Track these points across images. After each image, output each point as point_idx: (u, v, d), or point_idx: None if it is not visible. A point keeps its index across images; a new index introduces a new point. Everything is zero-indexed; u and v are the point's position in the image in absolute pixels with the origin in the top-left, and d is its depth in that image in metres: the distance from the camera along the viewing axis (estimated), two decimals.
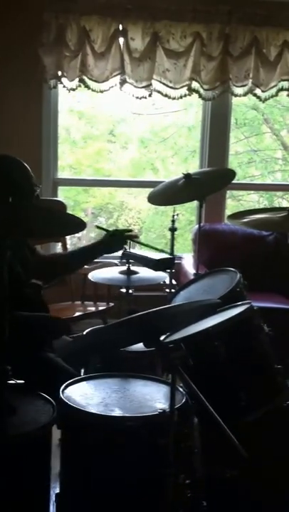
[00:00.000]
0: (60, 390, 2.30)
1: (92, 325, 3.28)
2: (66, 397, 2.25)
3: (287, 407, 2.48)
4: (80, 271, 4.79)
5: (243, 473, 2.35)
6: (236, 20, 4.89)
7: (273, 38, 4.97)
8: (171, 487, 2.00)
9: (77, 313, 4.48)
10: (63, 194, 6.02)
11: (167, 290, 3.86)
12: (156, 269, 3.34)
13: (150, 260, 3.31)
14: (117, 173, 7.45)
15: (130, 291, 3.43)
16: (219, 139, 5.37)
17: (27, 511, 2.18)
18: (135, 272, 3.36)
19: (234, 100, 5.44)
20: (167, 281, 3.75)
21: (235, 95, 5.12)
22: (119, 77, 4.88)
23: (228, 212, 5.55)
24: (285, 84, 5.09)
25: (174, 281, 3.88)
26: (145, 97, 4.97)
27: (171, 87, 4.94)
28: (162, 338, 2.40)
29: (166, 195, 3.71)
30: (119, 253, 3.39)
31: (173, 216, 3.82)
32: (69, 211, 5.57)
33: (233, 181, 3.82)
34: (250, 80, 5.01)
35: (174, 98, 5.02)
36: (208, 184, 3.68)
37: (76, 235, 6.90)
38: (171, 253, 3.69)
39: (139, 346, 2.28)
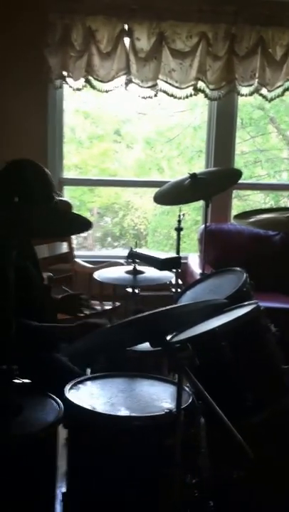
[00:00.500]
0: (67, 389, 2.30)
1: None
2: (72, 396, 2.25)
3: None
4: (85, 270, 4.84)
5: (249, 473, 2.34)
6: (242, 20, 4.89)
7: (279, 38, 4.97)
8: (178, 487, 2.00)
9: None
10: (69, 194, 6.02)
11: (173, 290, 3.86)
12: (162, 269, 3.35)
13: (156, 260, 3.32)
14: (122, 173, 7.45)
15: (136, 290, 3.43)
16: (225, 138, 5.36)
17: (33, 510, 2.18)
18: (141, 272, 3.36)
19: (240, 100, 5.43)
20: (173, 281, 3.75)
21: (241, 95, 5.12)
22: (124, 77, 4.88)
23: (234, 212, 5.55)
24: None
25: (180, 281, 3.88)
26: (151, 97, 4.97)
27: (176, 87, 4.94)
28: (168, 338, 2.40)
29: (172, 195, 3.71)
30: (126, 253, 3.40)
31: (179, 216, 3.82)
32: (75, 211, 5.57)
33: (239, 181, 3.82)
34: (256, 80, 5.01)
35: (179, 98, 5.01)
36: (214, 184, 3.68)
37: (82, 234, 6.92)
38: (178, 253, 3.69)
39: (146, 346, 2.27)
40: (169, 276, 3.47)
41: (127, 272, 3.37)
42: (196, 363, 2.00)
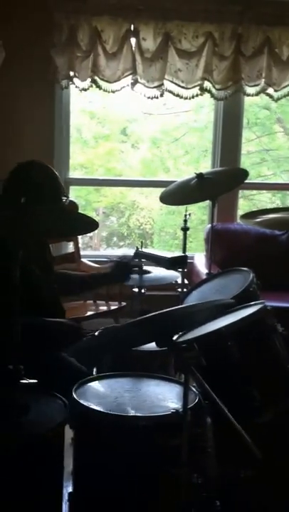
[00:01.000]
0: (73, 389, 2.30)
1: (104, 324, 3.28)
2: (79, 396, 2.26)
3: None
4: (91, 270, 4.83)
5: (256, 473, 2.34)
6: (248, 20, 4.88)
7: (286, 38, 4.96)
8: (184, 487, 2.00)
9: (89, 313, 4.48)
10: (75, 193, 6.02)
11: (180, 290, 3.86)
12: (170, 268, 3.34)
13: (163, 259, 3.31)
14: (128, 173, 7.45)
15: (142, 290, 3.42)
16: (231, 138, 5.35)
17: (40, 510, 2.19)
18: (147, 272, 3.36)
19: (246, 100, 5.42)
20: (179, 281, 3.75)
21: (248, 95, 5.11)
22: (130, 77, 4.88)
23: (240, 211, 5.54)
24: None
25: (186, 281, 3.87)
26: (157, 97, 4.97)
27: (183, 87, 4.94)
28: (175, 337, 2.39)
29: (178, 194, 3.71)
30: (131, 252, 3.39)
31: (185, 216, 3.82)
32: (80, 211, 5.58)
33: (246, 181, 3.82)
34: (263, 80, 5.00)
35: (185, 98, 5.01)
36: (220, 184, 3.68)
37: (88, 234, 6.93)
38: (184, 252, 3.69)
39: (152, 346, 2.27)
40: (175, 275, 3.47)
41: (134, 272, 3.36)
42: (202, 362, 2.00)
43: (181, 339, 2.44)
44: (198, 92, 4.98)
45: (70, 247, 5.12)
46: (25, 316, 2.11)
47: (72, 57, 4.80)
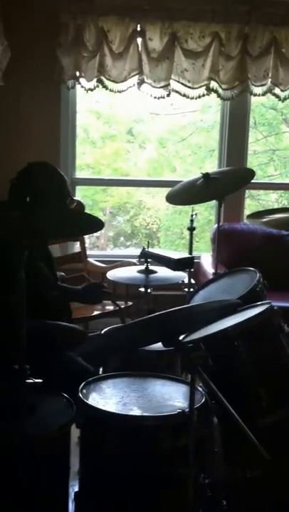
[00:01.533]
0: (79, 388, 2.30)
1: (111, 324, 3.28)
2: (85, 396, 2.26)
3: None
4: (98, 269, 4.84)
5: (263, 474, 2.34)
6: (255, 20, 4.87)
7: None
8: (191, 487, 2.00)
9: (96, 312, 4.48)
10: (81, 193, 6.03)
11: (186, 289, 3.85)
12: (175, 269, 3.34)
13: (170, 260, 3.31)
14: (135, 173, 7.46)
15: (149, 290, 3.42)
16: (238, 138, 5.35)
17: (46, 509, 2.19)
18: (154, 272, 3.36)
19: (253, 100, 5.41)
20: (186, 281, 3.74)
21: (254, 95, 5.10)
22: (137, 77, 4.87)
23: (246, 211, 5.53)
24: None
25: (192, 281, 3.87)
26: (163, 97, 4.97)
27: (189, 87, 4.93)
28: (181, 337, 2.39)
29: (184, 194, 3.71)
30: (138, 252, 3.40)
31: (191, 216, 3.82)
32: (87, 210, 5.58)
33: (252, 181, 3.81)
34: (269, 80, 4.99)
35: (192, 98, 5.00)
36: (227, 184, 3.67)
37: (94, 234, 6.93)
38: (190, 252, 3.69)
39: (158, 346, 2.27)
40: (181, 275, 3.46)
41: (140, 272, 3.36)
42: (208, 362, 2.00)
43: (187, 339, 2.44)
44: (205, 92, 4.98)
45: (77, 246, 5.12)
46: (31, 316, 2.11)
47: (78, 58, 4.81)
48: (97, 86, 4.91)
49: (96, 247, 7.54)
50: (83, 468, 2.27)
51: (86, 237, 5.41)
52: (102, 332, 3.00)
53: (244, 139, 5.39)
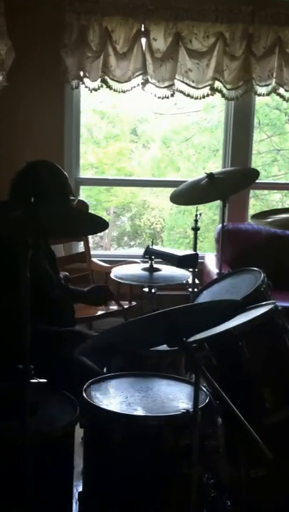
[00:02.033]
0: (83, 388, 2.30)
1: (114, 324, 3.28)
2: (89, 395, 2.26)
3: None
4: (102, 269, 4.84)
5: (267, 473, 2.33)
6: (259, 20, 4.87)
7: None
8: (195, 487, 2.00)
9: (100, 312, 4.47)
10: (85, 193, 6.03)
11: (190, 289, 3.85)
12: (179, 266, 3.34)
13: (173, 256, 3.31)
14: (139, 173, 7.46)
15: (153, 290, 3.42)
16: (242, 138, 5.34)
17: (50, 509, 2.19)
18: (158, 269, 3.35)
19: (257, 100, 5.40)
20: (190, 281, 3.74)
21: (259, 95, 5.09)
22: (141, 77, 4.87)
23: (251, 211, 5.53)
24: None
25: (197, 281, 3.87)
26: (167, 97, 4.97)
27: (193, 87, 4.93)
28: (185, 337, 2.39)
29: (189, 195, 3.71)
30: (142, 252, 3.39)
31: (196, 215, 3.82)
32: (91, 210, 5.58)
33: (257, 181, 3.81)
34: (274, 80, 4.98)
35: (196, 98, 5.00)
36: (231, 184, 3.67)
37: (98, 234, 6.93)
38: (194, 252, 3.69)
39: (163, 346, 2.27)
40: (185, 275, 3.46)
41: (144, 269, 3.35)
42: (213, 362, 2.00)
43: (191, 339, 2.43)
44: (209, 92, 4.97)
45: (81, 246, 5.12)
46: (34, 315, 2.11)
47: (82, 58, 4.81)
48: (101, 86, 4.90)
49: (100, 247, 7.55)
50: (87, 468, 2.27)
51: (90, 237, 5.40)
52: (105, 331, 3.00)
53: (248, 139, 5.38)
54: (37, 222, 2.05)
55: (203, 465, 2.07)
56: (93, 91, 4.94)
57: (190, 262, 3.40)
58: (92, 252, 5.13)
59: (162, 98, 4.97)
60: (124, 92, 4.92)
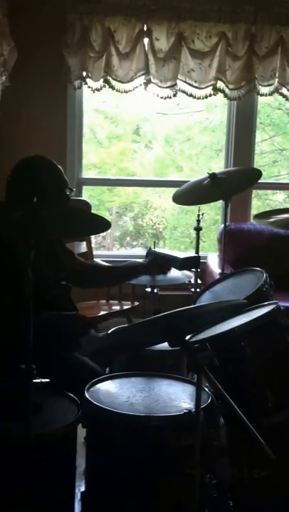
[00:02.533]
0: (85, 388, 2.30)
1: (117, 324, 3.28)
2: (91, 395, 2.26)
3: None
4: None
5: (269, 474, 2.33)
6: (262, 20, 4.87)
7: None
8: (197, 487, 2.00)
9: (102, 312, 4.48)
10: (87, 193, 6.03)
11: (193, 290, 3.85)
12: (181, 269, 3.33)
13: (175, 259, 3.31)
14: (141, 173, 7.46)
15: (155, 290, 3.42)
16: (245, 138, 5.34)
17: (52, 509, 2.19)
18: None
19: (259, 100, 5.40)
20: (193, 281, 3.74)
21: (261, 95, 5.09)
22: (143, 77, 4.87)
23: (253, 211, 5.52)
24: None
25: (199, 281, 3.86)
26: (170, 97, 4.97)
27: (196, 87, 4.93)
28: (187, 337, 2.39)
29: (191, 195, 3.70)
30: (144, 252, 3.39)
31: (198, 216, 3.81)
32: (93, 210, 5.58)
33: (259, 181, 3.80)
34: (276, 80, 4.98)
35: (198, 98, 5.00)
36: (233, 184, 3.67)
37: (100, 234, 6.93)
38: (197, 252, 3.68)
39: (165, 346, 2.27)
40: (188, 275, 3.46)
41: None
42: (215, 362, 2.00)
43: (193, 339, 2.43)
44: (212, 92, 4.97)
45: (83, 246, 5.12)
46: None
47: (85, 58, 4.81)
48: (104, 86, 4.91)
49: (102, 247, 7.55)
50: (89, 468, 2.27)
51: (92, 237, 5.41)
52: (109, 332, 3.00)
53: (251, 138, 5.38)
54: (39, 222, 2.05)
55: (205, 465, 2.07)
56: (96, 91, 4.95)
57: (192, 264, 3.40)
58: (95, 252, 5.13)
59: (165, 98, 4.98)
60: (126, 92, 4.92)
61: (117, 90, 4.92)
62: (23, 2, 4.78)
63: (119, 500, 2.15)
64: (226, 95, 5.04)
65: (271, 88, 5.04)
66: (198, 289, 3.73)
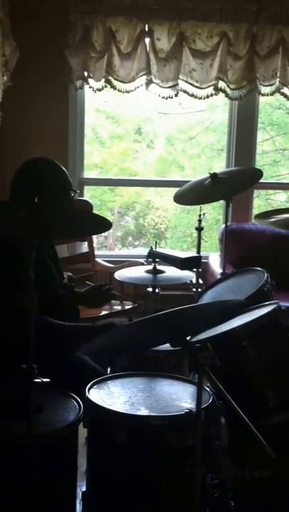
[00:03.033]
0: (87, 388, 2.30)
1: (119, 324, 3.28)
2: (92, 395, 2.26)
3: None
4: (106, 269, 4.84)
5: (271, 473, 2.33)
6: (263, 20, 4.86)
7: None
8: (199, 487, 2.00)
9: (104, 312, 4.48)
10: (89, 193, 6.03)
11: (194, 289, 3.85)
12: (182, 268, 3.34)
13: (176, 259, 3.31)
14: (143, 172, 7.46)
15: (157, 290, 3.42)
16: (246, 138, 5.34)
17: (54, 509, 2.19)
18: (161, 271, 3.36)
19: (260, 100, 5.40)
20: (194, 281, 3.74)
21: (263, 94, 5.09)
22: (145, 77, 4.87)
23: (255, 211, 5.52)
24: None
25: (200, 281, 3.87)
26: (171, 97, 4.97)
27: (197, 87, 4.93)
28: (188, 337, 2.39)
29: (192, 195, 3.71)
30: (146, 252, 3.39)
31: (199, 215, 3.81)
32: (95, 210, 5.59)
33: (260, 180, 3.80)
34: (278, 79, 4.98)
35: (200, 98, 5.00)
36: (234, 183, 3.67)
37: (102, 234, 6.94)
38: (198, 252, 3.68)
39: (166, 346, 2.27)
40: (189, 275, 3.46)
41: (147, 272, 3.36)
42: (216, 362, 2.00)
43: (194, 339, 2.43)
44: (213, 92, 4.97)
45: (85, 246, 5.12)
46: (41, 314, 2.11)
47: (86, 58, 4.81)
48: (105, 86, 4.91)
49: (104, 247, 7.55)
50: (91, 468, 2.28)
51: (94, 237, 5.41)
52: (110, 332, 3.00)
53: (252, 138, 5.38)
54: (42, 222, 2.05)
55: (207, 465, 2.07)
56: (97, 91, 4.95)
57: (193, 264, 3.40)
58: (97, 253, 5.13)
59: (166, 98, 4.98)
60: (128, 92, 4.92)
61: (118, 90, 4.92)
62: (25, 2, 4.77)
63: (121, 500, 2.16)
64: (227, 95, 5.04)
65: (272, 88, 5.04)
66: (199, 289, 3.73)
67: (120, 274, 3.45)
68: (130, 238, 7.98)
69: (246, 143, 5.34)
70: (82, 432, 2.28)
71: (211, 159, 7.35)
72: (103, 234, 7.20)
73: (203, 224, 3.84)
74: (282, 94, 5.08)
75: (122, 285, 4.45)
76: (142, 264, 3.96)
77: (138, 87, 4.91)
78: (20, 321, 2.03)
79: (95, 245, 5.11)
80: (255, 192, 5.79)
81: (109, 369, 2.84)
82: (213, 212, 6.66)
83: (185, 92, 4.96)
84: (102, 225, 2.25)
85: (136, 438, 2.12)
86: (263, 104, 6.40)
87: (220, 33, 4.84)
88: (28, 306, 1.99)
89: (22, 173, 2.79)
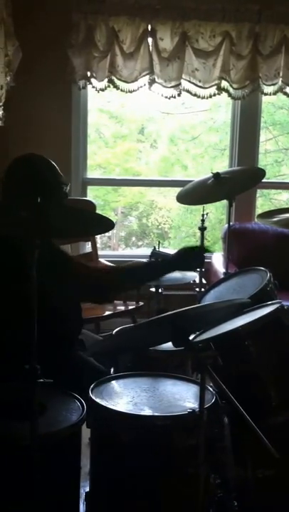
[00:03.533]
0: (90, 388, 2.30)
1: (122, 324, 3.28)
2: (96, 395, 2.26)
3: None
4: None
5: (274, 473, 2.33)
6: (266, 19, 4.87)
7: None
8: (202, 487, 2.00)
9: (107, 312, 4.48)
10: (93, 193, 6.03)
11: (197, 289, 3.85)
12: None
13: None
14: (146, 172, 7.46)
15: (160, 290, 3.42)
16: (249, 137, 5.34)
17: (57, 510, 2.19)
18: None
19: (263, 99, 5.40)
20: (197, 280, 3.74)
21: (265, 94, 5.09)
22: (148, 77, 4.88)
23: (258, 211, 5.52)
24: None
25: (203, 280, 3.87)
26: (174, 97, 4.97)
27: (200, 87, 4.93)
28: (191, 337, 2.39)
29: (195, 194, 3.71)
30: (149, 251, 3.39)
31: (202, 215, 3.81)
32: (99, 211, 5.59)
33: (263, 180, 3.80)
34: (280, 79, 4.99)
35: (203, 97, 5.01)
36: (237, 183, 3.67)
37: (106, 234, 6.94)
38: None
39: (169, 346, 2.27)
40: (192, 275, 3.46)
41: None
42: (219, 362, 2.00)
43: (197, 339, 2.43)
44: (216, 92, 4.98)
45: (88, 247, 5.13)
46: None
47: (89, 58, 4.82)
48: (108, 86, 4.92)
49: (108, 247, 7.55)
50: (94, 468, 2.28)
51: (98, 237, 5.41)
52: (114, 332, 3.00)
53: (255, 138, 5.38)
54: (44, 222, 2.05)
55: (210, 465, 2.07)
56: (100, 91, 4.95)
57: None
58: (100, 253, 5.13)
59: (169, 98, 4.98)
60: (131, 92, 4.93)
61: (121, 90, 4.93)
62: (28, 2, 4.79)
63: (124, 500, 2.16)
64: (230, 95, 5.04)
65: (275, 87, 5.04)
66: (202, 289, 3.73)
67: None
68: (134, 238, 7.97)
69: (249, 142, 5.35)
70: (86, 433, 2.28)
71: (214, 159, 7.35)
72: (107, 234, 7.20)
73: (206, 224, 3.84)
74: (285, 93, 5.09)
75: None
76: None
77: (141, 86, 4.92)
78: (28, 309, 2.01)
79: (98, 245, 5.12)
80: (258, 192, 5.78)
81: (112, 369, 2.84)
82: (217, 212, 6.66)
83: (188, 91, 4.96)
84: (105, 224, 2.24)
85: (139, 438, 2.11)
86: (265, 104, 6.39)
87: (222, 32, 4.85)
88: (31, 306, 1.99)
89: (15, 172, 2.72)
